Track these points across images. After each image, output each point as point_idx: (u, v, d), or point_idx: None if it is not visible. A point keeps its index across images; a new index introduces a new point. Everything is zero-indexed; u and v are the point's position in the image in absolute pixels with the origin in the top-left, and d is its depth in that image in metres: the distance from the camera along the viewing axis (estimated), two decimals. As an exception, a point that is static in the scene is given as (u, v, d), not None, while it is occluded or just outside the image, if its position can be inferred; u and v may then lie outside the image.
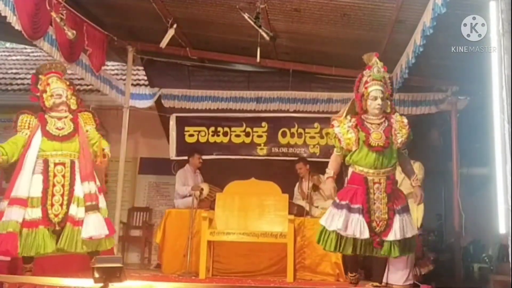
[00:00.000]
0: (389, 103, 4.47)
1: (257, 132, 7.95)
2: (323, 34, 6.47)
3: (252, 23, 5.77)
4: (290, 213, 6.12)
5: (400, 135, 4.30)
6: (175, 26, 6.57)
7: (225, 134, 7.96)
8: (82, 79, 7.57)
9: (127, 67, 7.95)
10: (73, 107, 4.77)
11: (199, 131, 8.00)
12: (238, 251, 6.30)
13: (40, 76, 4.75)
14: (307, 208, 6.47)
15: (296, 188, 6.99)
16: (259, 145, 7.92)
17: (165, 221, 6.50)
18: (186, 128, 8.01)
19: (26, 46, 9.67)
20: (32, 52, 10.24)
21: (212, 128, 7.98)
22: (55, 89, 4.66)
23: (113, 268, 3.39)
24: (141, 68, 8.45)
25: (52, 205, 4.44)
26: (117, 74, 9.14)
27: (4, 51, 10.85)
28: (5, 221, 4.31)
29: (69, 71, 8.39)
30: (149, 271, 6.46)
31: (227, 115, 7.95)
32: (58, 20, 5.35)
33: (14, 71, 9.76)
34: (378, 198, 4.26)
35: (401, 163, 4.49)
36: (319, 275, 6.05)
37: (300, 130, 7.90)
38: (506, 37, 3.44)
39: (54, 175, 4.50)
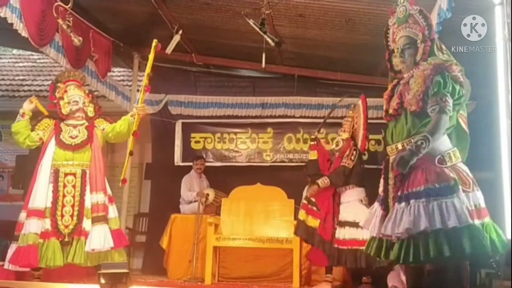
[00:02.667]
0: (422, 47, 3.21)
1: (262, 138, 7.95)
2: (328, 39, 6.48)
3: (257, 29, 5.79)
4: (296, 218, 6.11)
5: (412, 92, 3.10)
6: (180, 32, 6.60)
7: (231, 140, 7.97)
8: (88, 85, 7.59)
9: (133, 73, 8.00)
10: (90, 114, 4.83)
11: (205, 138, 8.01)
12: (244, 257, 6.29)
13: (59, 84, 4.82)
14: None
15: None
16: (265, 151, 7.92)
17: (171, 227, 6.51)
18: (192, 135, 8.03)
19: (33, 53, 9.73)
20: (39, 58, 10.30)
21: (218, 135, 7.99)
22: (72, 96, 4.74)
23: (119, 274, 3.40)
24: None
25: (62, 216, 4.45)
26: (123, 80, 9.18)
27: (11, 58, 10.92)
28: (25, 234, 4.35)
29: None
30: (155, 277, 6.46)
31: (232, 121, 7.96)
32: (64, 27, 5.39)
33: (21, 77, 9.81)
34: (391, 182, 3.17)
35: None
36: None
37: (306, 136, 7.89)
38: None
39: (64, 186, 4.52)
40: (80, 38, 5.56)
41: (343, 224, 5.30)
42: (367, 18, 5.68)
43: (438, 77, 2.98)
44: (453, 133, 3.18)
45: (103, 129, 4.79)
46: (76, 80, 4.88)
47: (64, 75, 4.90)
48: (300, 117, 7.86)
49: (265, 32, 5.85)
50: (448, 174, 3.02)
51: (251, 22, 5.77)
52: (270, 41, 6.03)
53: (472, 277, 5.25)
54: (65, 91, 4.75)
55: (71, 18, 5.50)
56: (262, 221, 6.13)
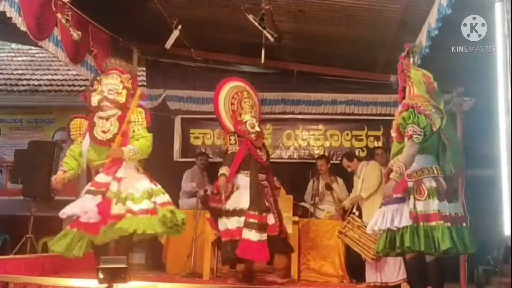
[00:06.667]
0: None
1: (262, 134, 7.94)
2: (328, 35, 6.47)
3: (257, 24, 5.78)
4: (294, 214, 6.12)
5: (393, 126, 4.13)
6: (179, 27, 6.58)
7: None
8: (87, 79, 7.58)
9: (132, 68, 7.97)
10: (121, 101, 4.32)
11: (205, 134, 8.03)
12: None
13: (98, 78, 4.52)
14: (311, 210, 6.48)
15: (309, 186, 6.90)
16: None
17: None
18: (192, 130, 8.05)
19: (32, 47, 9.70)
20: (38, 53, 10.28)
21: (218, 131, 7.98)
22: (105, 84, 4.33)
23: (117, 269, 3.40)
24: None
25: None
26: (122, 75, 9.16)
27: (9, 52, 10.89)
28: None
29: (74, 72, 8.48)
30: (153, 272, 6.46)
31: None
32: (63, 21, 5.37)
33: (19, 72, 9.79)
34: None
35: None
36: (324, 277, 6.05)
37: (305, 132, 7.90)
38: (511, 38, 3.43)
39: None
40: (79, 33, 5.55)
41: None
42: (366, 14, 5.67)
43: (404, 113, 3.78)
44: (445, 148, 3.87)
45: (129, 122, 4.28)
46: (115, 69, 4.47)
47: (107, 66, 4.54)
48: (300, 113, 7.86)
49: (264, 28, 5.84)
50: (407, 186, 3.80)
51: (250, 17, 5.76)
52: (269, 36, 6.02)
53: (469, 273, 5.30)
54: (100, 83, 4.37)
55: (70, 12, 5.49)
56: (260, 216, 6.13)
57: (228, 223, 5.02)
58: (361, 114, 7.74)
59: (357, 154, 7.42)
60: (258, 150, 5.22)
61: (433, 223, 3.66)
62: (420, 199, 3.74)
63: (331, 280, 6.00)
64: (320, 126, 7.87)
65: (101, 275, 3.38)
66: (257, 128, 5.25)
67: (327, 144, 7.82)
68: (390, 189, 3.73)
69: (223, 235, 5.07)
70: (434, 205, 3.72)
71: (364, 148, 7.69)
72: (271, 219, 5.04)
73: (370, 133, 7.75)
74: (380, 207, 3.96)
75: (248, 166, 5.14)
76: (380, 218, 3.83)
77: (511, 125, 3.33)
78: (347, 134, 7.79)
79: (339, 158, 7.39)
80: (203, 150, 7.82)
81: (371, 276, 5.53)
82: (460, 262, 5.03)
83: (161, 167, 7.85)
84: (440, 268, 4.04)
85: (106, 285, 3.39)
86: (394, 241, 3.70)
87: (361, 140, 7.76)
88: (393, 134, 4.02)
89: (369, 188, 5.70)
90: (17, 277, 4.18)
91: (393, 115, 7.92)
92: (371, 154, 7.00)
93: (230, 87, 5.62)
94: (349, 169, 6.11)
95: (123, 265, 3.44)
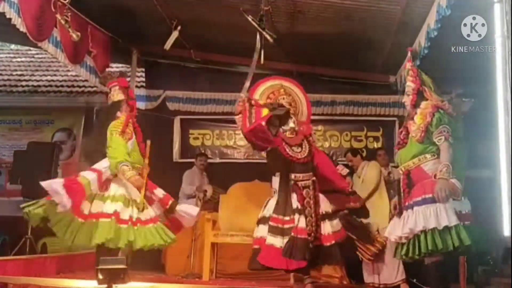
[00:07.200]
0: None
1: (261, 134, 7.93)
2: (327, 36, 6.47)
3: (256, 25, 5.78)
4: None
5: (416, 125, 4.04)
6: (179, 28, 6.58)
7: (229, 137, 7.98)
8: (86, 80, 7.60)
9: (131, 69, 7.98)
10: None
11: (204, 134, 8.04)
12: (242, 253, 6.27)
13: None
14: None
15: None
16: (264, 147, 7.91)
17: (169, 223, 6.51)
18: (191, 131, 8.06)
19: (31, 48, 9.70)
20: (37, 54, 10.28)
21: (217, 131, 8.01)
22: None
23: (117, 270, 3.41)
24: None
25: None
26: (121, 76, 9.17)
27: (8, 53, 10.89)
28: None
29: (73, 73, 8.49)
30: (152, 273, 6.46)
31: (231, 118, 7.95)
32: (62, 22, 5.37)
33: (19, 73, 9.80)
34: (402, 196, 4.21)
35: None
36: (323, 277, 6.04)
37: (304, 132, 7.89)
38: (511, 39, 3.44)
39: None
40: (78, 34, 5.55)
41: None
42: (366, 14, 5.67)
43: (437, 114, 3.86)
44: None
45: None
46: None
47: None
48: (299, 114, 7.85)
49: (263, 29, 5.85)
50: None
51: (249, 18, 5.76)
52: (268, 37, 6.02)
53: (468, 273, 5.31)
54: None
55: (69, 13, 5.49)
56: (260, 217, 6.12)
57: (257, 232, 4.78)
58: (361, 115, 7.75)
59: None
60: (293, 148, 4.78)
61: (468, 223, 3.77)
62: (457, 199, 3.81)
63: (330, 281, 5.99)
64: (320, 127, 7.87)
65: (100, 276, 3.38)
66: (292, 124, 4.86)
67: (326, 144, 7.82)
68: (448, 188, 3.71)
69: (253, 243, 4.83)
70: (467, 205, 3.87)
71: (364, 149, 7.69)
72: (301, 222, 4.52)
73: (369, 133, 7.77)
74: (409, 209, 3.87)
75: (280, 167, 4.81)
76: (419, 218, 3.74)
77: (511, 125, 3.35)
78: (347, 135, 7.79)
79: (339, 159, 7.42)
80: (203, 151, 7.83)
81: (368, 278, 5.52)
82: (459, 262, 5.03)
83: (160, 168, 7.86)
84: (442, 270, 4.14)
85: (105, 285, 3.39)
86: (444, 241, 3.63)
87: (360, 140, 7.77)
88: (418, 134, 3.92)
89: (368, 189, 5.70)
90: (17, 278, 4.18)
91: (392, 116, 8.02)
92: (370, 155, 7.01)
93: (264, 87, 5.25)
94: (350, 164, 6.10)
95: (123, 266, 3.45)
